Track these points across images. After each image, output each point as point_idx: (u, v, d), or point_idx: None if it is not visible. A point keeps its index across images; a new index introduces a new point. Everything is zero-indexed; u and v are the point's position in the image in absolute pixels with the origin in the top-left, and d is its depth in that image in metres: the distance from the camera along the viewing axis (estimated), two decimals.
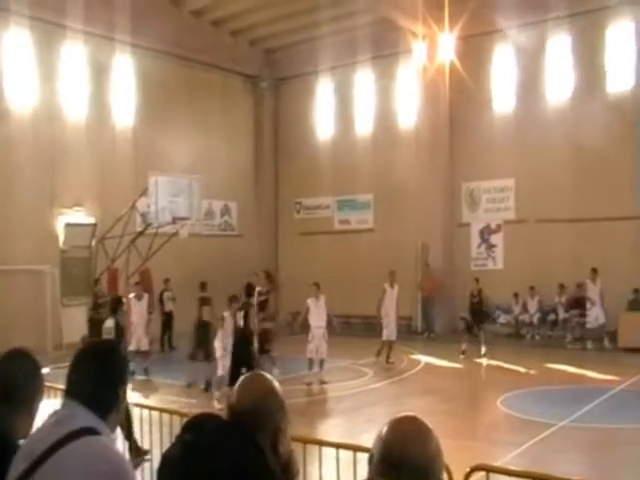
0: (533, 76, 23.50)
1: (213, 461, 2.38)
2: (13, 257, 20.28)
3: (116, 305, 11.87)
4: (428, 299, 24.32)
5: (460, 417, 12.55)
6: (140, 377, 15.75)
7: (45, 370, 3.22)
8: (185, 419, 2.69)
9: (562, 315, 21.93)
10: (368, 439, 2.12)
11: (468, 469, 5.01)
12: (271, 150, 30.52)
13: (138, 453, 9.14)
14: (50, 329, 21.10)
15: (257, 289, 17.74)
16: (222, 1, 25.46)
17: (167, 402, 12.67)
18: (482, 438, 11.21)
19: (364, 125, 27.74)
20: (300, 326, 16.35)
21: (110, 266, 20.65)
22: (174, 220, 19.86)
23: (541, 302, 22.58)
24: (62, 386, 2.72)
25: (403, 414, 2.14)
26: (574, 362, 17.78)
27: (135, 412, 8.44)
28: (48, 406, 2.93)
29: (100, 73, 23.94)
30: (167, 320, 21.90)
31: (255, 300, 16.70)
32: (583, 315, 21.09)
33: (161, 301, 21.91)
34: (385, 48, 25.93)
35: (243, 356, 13.39)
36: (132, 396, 9.19)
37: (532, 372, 16.92)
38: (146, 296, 17.88)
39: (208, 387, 14.95)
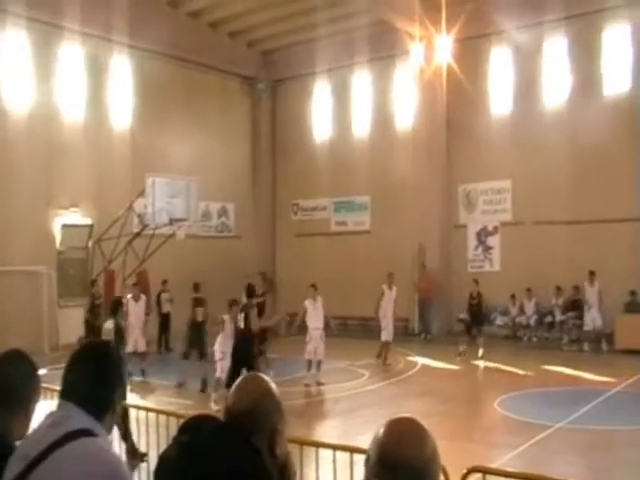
0: (530, 78, 23.52)
1: (210, 463, 2.37)
2: (10, 258, 20.25)
3: (116, 306, 11.86)
4: (425, 300, 24.33)
5: (457, 419, 12.54)
6: (137, 378, 15.74)
7: (42, 371, 3.21)
8: (182, 420, 2.69)
9: (559, 317, 21.96)
10: (365, 441, 2.12)
11: (465, 471, 5.01)
12: (268, 151, 30.52)
13: (135, 455, 9.13)
14: (47, 330, 21.08)
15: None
16: (219, 2, 25.47)
17: (164, 403, 12.66)
18: (479, 440, 11.22)
19: (361, 127, 27.76)
20: (298, 328, 16.35)
21: (107, 267, 20.64)
22: (171, 221, 19.85)
23: (538, 304, 22.59)
24: (58, 387, 2.71)
25: (399, 415, 2.13)
26: (571, 364, 17.80)
27: (132, 413, 8.43)
28: (45, 407, 2.92)
29: (97, 74, 23.93)
30: (164, 321, 21.89)
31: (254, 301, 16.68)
32: (580, 317, 21.13)
33: (158, 302, 21.90)
34: (382, 50, 25.95)
35: (243, 357, 13.39)
36: (129, 397, 9.18)
37: (529, 374, 16.92)
38: (143, 297, 17.88)
39: (204, 387, 15.00)
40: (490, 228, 24.60)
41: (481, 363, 18.61)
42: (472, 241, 24.99)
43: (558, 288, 21.85)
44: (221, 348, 13.82)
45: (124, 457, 8.62)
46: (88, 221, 22.82)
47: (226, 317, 13.88)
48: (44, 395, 5.92)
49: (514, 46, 23.87)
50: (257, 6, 25.11)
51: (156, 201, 19.35)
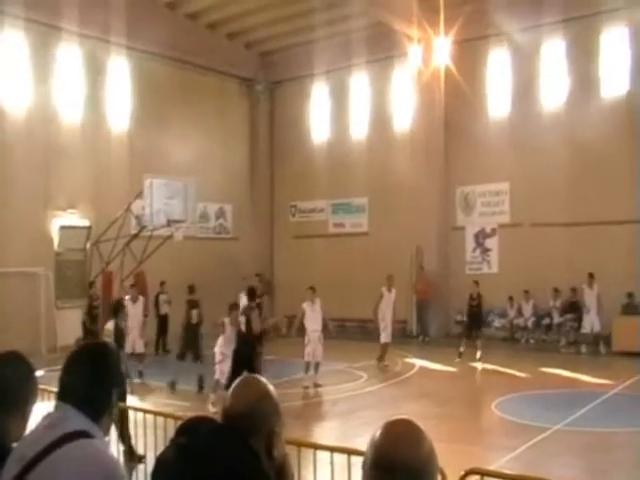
0: (528, 80, 23.54)
1: (207, 464, 2.37)
2: (7, 259, 20.23)
3: (117, 308, 11.85)
4: (423, 302, 24.32)
5: (455, 421, 12.54)
6: (135, 380, 15.72)
7: (39, 373, 3.21)
8: (179, 422, 2.68)
9: (557, 319, 21.96)
10: (363, 443, 2.12)
11: (462, 473, 5.00)
12: (266, 153, 30.52)
13: (132, 457, 9.13)
14: (44, 332, 21.06)
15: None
16: (218, 4, 25.47)
17: (161, 405, 12.64)
18: (476, 442, 11.22)
19: (359, 129, 27.77)
20: (296, 330, 16.34)
21: (105, 269, 20.61)
22: (169, 223, 19.83)
23: (536, 306, 22.59)
24: (56, 389, 2.71)
25: (396, 417, 2.13)
26: (568, 366, 17.81)
27: (129, 415, 8.42)
28: (42, 409, 2.92)
29: (95, 75, 23.92)
30: (162, 323, 21.88)
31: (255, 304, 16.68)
32: (577, 319, 21.14)
33: (156, 304, 21.89)
34: (380, 52, 25.97)
35: (244, 359, 13.39)
36: (128, 399, 9.17)
37: (526, 376, 16.92)
38: (141, 299, 17.87)
39: (201, 386, 15.07)
40: (488, 230, 24.60)
41: (479, 365, 18.61)
42: (470, 243, 24.99)
43: (556, 290, 21.86)
44: (221, 350, 13.80)
45: (121, 459, 8.62)
46: (86, 222, 22.80)
47: (226, 320, 13.88)
48: (41, 396, 5.90)
49: (512, 48, 23.90)
50: (255, 8, 25.12)
51: (154, 202, 19.33)
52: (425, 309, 24.41)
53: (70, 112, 23.14)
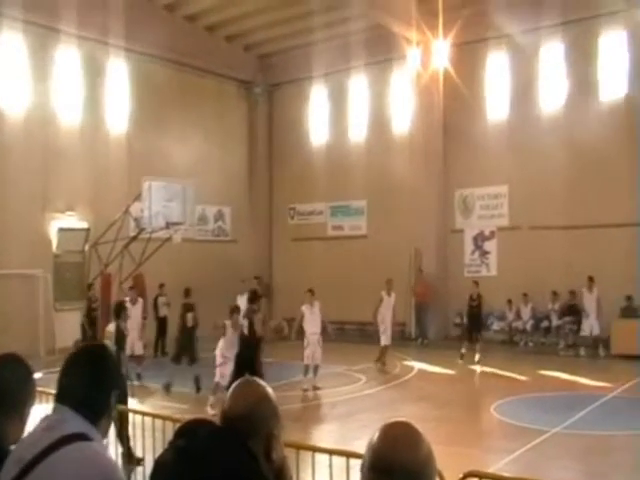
0: (527, 83, 23.57)
1: (206, 467, 2.37)
2: (5, 261, 20.23)
3: (119, 310, 11.85)
4: (422, 305, 24.31)
5: (453, 423, 12.53)
6: (134, 382, 15.70)
7: (37, 375, 3.20)
8: (178, 425, 2.68)
9: (555, 322, 21.95)
10: (361, 445, 2.11)
11: (461, 475, 5.00)
12: (265, 156, 30.53)
13: (131, 460, 9.11)
14: (43, 334, 21.06)
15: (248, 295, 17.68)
16: (216, 6, 25.48)
17: (160, 408, 12.63)
18: (475, 444, 11.20)
19: (358, 131, 27.78)
20: (296, 333, 16.33)
21: (103, 271, 20.59)
22: (167, 225, 19.80)
23: (534, 309, 22.59)
24: (54, 391, 2.70)
25: (394, 420, 2.13)
26: (567, 369, 17.80)
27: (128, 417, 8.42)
28: (40, 411, 2.91)
29: (94, 77, 23.93)
30: (161, 325, 21.87)
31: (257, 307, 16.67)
32: (576, 322, 21.14)
33: (155, 306, 21.88)
34: (379, 54, 25.99)
35: (246, 362, 13.40)
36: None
37: (525, 379, 16.92)
38: (140, 301, 17.87)
39: (198, 386, 15.15)
40: (487, 233, 24.61)
41: (477, 368, 18.60)
42: (469, 246, 25.00)
43: (554, 293, 21.85)
44: (222, 352, 13.78)
45: (120, 461, 8.61)
46: (84, 225, 22.80)
47: (227, 322, 13.87)
48: (39, 399, 5.89)
49: (511, 51, 23.92)
50: (254, 10, 25.14)
51: (152, 205, 19.30)
52: (424, 312, 24.40)
53: (69, 114, 23.15)
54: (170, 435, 2.57)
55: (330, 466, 5.63)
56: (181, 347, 16.10)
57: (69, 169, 22.48)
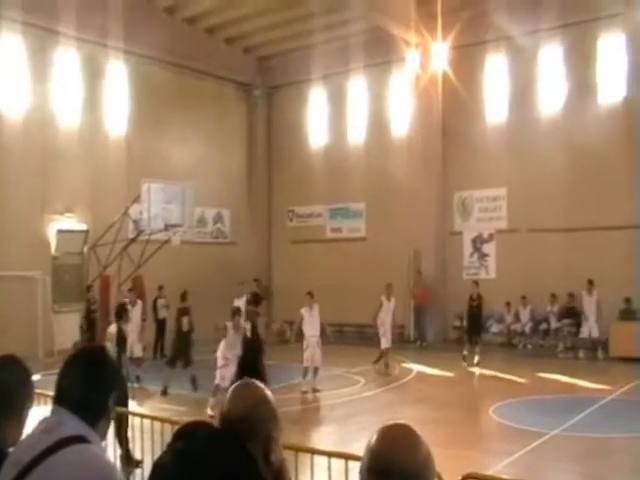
0: (526, 86, 23.58)
1: (204, 469, 2.36)
2: (4, 263, 20.21)
3: (121, 311, 11.84)
4: (420, 307, 24.31)
5: (452, 425, 12.53)
6: (134, 385, 15.70)
7: (36, 377, 3.20)
8: (176, 427, 2.68)
9: (554, 324, 21.95)
10: (360, 448, 2.11)
11: (460, 477, 5.00)
12: (264, 158, 30.54)
13: (129, 462, 9.10)
14: (41, 336, 21.04)
15: (247, 299, 17.69)
16: (216, 9, 25.49)
17: (158, 410, 12.63)
18: (474, 447, 11.20)
19: (357, 133, 27.79)
20: (295, 335, 16.32)
21: (102, 273, 20.59)
22: (166, 227, 19.81)
23: (533, 311, 22.60)
24: (52, 393, 2.70)
25: (392, 422, 2.13)
26: (566, 371, 17.80)
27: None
28: (38, 413, 2.91)
29: (93, 79, 23.94)
30: (161, 327, 21.84)
31: (259, 309, 16.68)
32: (574, 325, 21.15)
33: (155, 308, 21.86)
34: (378, 57, 26.00)
35: (250, 365, 13.41)
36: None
37: (524, 381, 16.91)
38: (139, 303, 17.86)
39: (195, 385, 15.30)
40: (485, 235, 24.62)
41: (476, 370, 18.60)
42: (467, 248, 25.00)
43: (553, 295, 21.86)
44: (223, 354, 13.77)
45: (118, 464, 8.60)
46: (83, 226, 22.79)
47: (229, 324, 13.87)
48: (38, 401, 5.89)
49: (510, 53, 23.95)
50: (253, 12, 25.16)
51: (151, 207, 19.31)
52: (423, 314, 24.41)
53: (68, 116, 23.15)
54: (169, 437, 2.57)
55: (329, 468, 5.62)
56: (176, 351, 16.18)
57: (68, 171, 22.47)
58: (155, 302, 21.94)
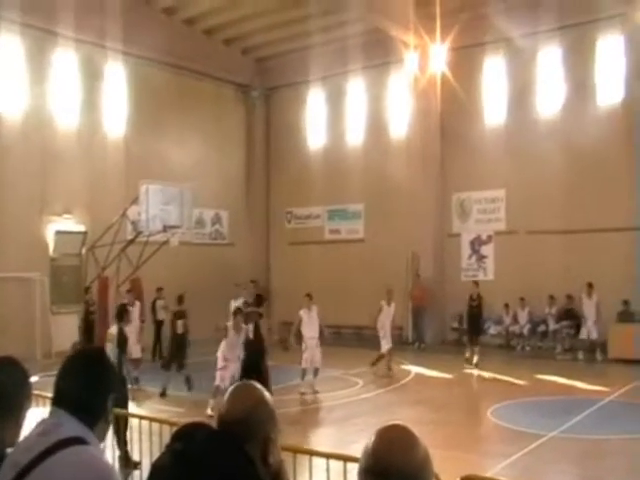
0: (525, 87, 23.59)
1: (203, 470, 2.36)
2: (2, 264, 20.20)
3: (122, 312, 11.83)
4: (419, 309, 24.30)
5: (450, 427, 12.52)
6: (132, 386, 15.70)
7: (34, 378, 3.20)
8: (175, 428, 2.67)
9: (552, 326, 21.96)
10: (358, 449, 2.11)
11: (458, 479, 4.99)
12: (262, 159, 30.54)
13: (128, 464, 9.09)
14: (39, 337, 21.01)
15: (244, 300, 17.68)
16: (214, 10, 25.51)
17: (156, 411, 12.63)
18: (472, 449, 11.20)
19: (355, 135, 27.80)
20: (295, 336, 16.30)
21: (100, 274, 20.58)
22: (165, 228, 19.81)
23: (531, 313, 22.61)
24: (50, 394, 2.70)
25: (390, 423, 2.13)
26: (564, 373, 17.81)
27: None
28: (36, 414, 2.91)
29: (92, 80, 23.94)
30: (160, 329, 21.80)
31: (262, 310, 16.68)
32: (573, 327, 21.16)
33: (153, 310, 21.83)
34: (377, 58, 26.01)
35: (253, 366, 13.44)
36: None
37: (522, 383, 16.91)
38: (138, 304, 17.85)
39: (190, 385, 15.37)
40: (484, 237, 24.62)
41: (474, 371, 18.61)
42: (466, 250, 25.00)
43: (551, 297, 21.86)
44: (224, 355, 13.75)
45: (116, 465, 8.59)
46: (82, 228, 22.78)
47: (229, 324, 13.88)
48: (36, 402, 5.89)
49: (509, 55, 23.96)
50: (252, 14, 25.17)
51: (150, 208, 19.30)
52: (421, 316, 24.40)
53: (66, 117, 23.16)
54: (167, 439, 2.57)
55: (327, 470, 5.62)
56: (170, 354, 16.21)
57: (66, 172, 22.47)
58: (154, 303, 21.90)
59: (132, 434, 7.92)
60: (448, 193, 25.22)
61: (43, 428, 2.57)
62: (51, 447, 2.45)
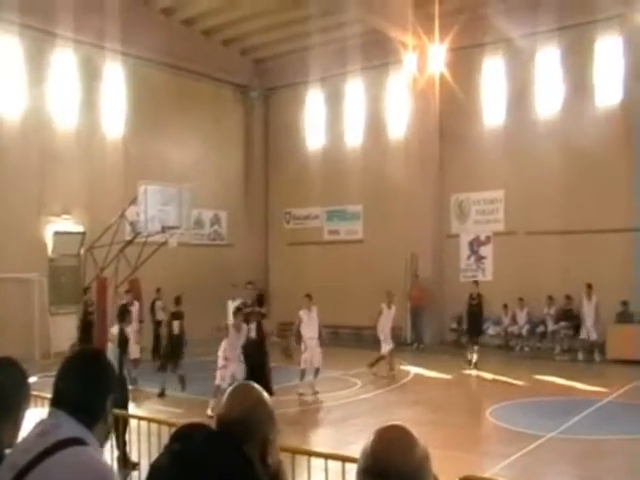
0: (523, 88, 23.59)
1: (202, 471, 2.36)
2: (1, 265, 20.17)
3: (123, 312, 11.82)
4: (417, 309, 24.30)
5: (449, 428, 12.52)
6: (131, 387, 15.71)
7: (32, 379, 3.20)
8: (173, 429, 2.67)
9: (551, 327, 21.97)
10: (357, 450, 2.11)
11: None
12: (261, 160, 30.54)
13: (126, 465, 9.09)
14: (38, 337, 21.00)
15: (242, 301, 17.66)
16: (213, 10, 25.49)
17: (155, 412, 12.63)
18: (471, 449, 11.20)
19: (354, 135, 27.80)
20: (295, 337, 16.30)
21: (99, 275, 20.56)
22: (163, 229, 19.77)
23: (530, 314, 22.61)
24: (49, 395, 2.69)
25: (389, 423, 2.13)
26: (563, 374, 17.82)
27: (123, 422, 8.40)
28: (34, 415, 2.90)
29: (90, 81, 23.92)
30: (159, 329, 21.78)
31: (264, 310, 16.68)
32: (571, 327, 21.17)
33: (152, 310, 21.82)
34: (375, 59, 26.01)
35: (257, 366, 13.45)
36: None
37: (521, 383, 16.91)
38: (136, 304, 17.84)
39: (183, 384, 15.44)
40: (482, 238, 24.62)
41: (473, 372, 18.61)
42: (464, 251, 25.01)
43: (550, 298, 21.87)
44: (225, 354, 13.75)
45: (115, 466, 8.59)
46: (80, 228, 22.77)
47: (230, 323, 13.87)
48: (34, 403, 5.89)
49: (507, 56, 23.97)
50: (251, 14, 25.15)
51: (148, 209, 19.27)
52: (419, 316, 24.41)
53: (65, 118, 23.14)
54: (165, 439, 2.57)
55: (326, 470, 5.62)
56: (165, 354, 16.24)
57: (65, 173, 22.46)
58: (153, 304, 21.91)
59: (131, 435, 7.91)
60: (447, 194, 25.23)
61: (42, 429, 2.57)
62: (50, 448, 2.45)
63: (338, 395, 15.79)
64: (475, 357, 18.98)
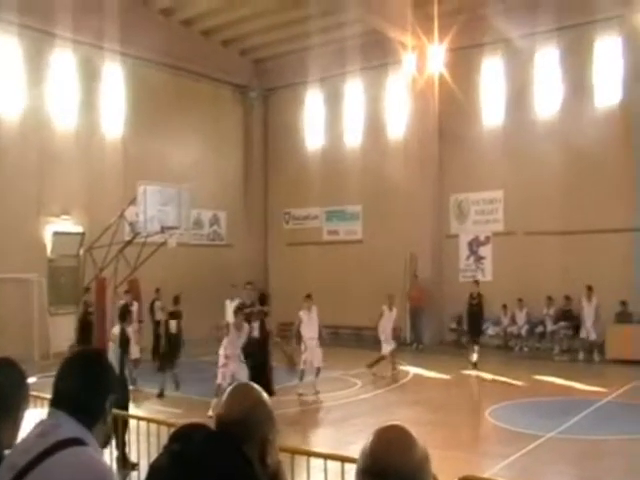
0: (522, 88, 23.59)
1: (201, 471, 2.36)
2: (0, 265, 20.16)
3: (124, 313, 11.82)
4: (417, 310, 24.29)
5: (448, 428, 12.53)
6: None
7: (32, 379, 3.19)
8: (173, 429, 2.67)
9: (550, 327, 21.97)
10: (356, 450, 2.11)
11: None
12: (260, 160, 30.53)
13: (126, 465, 9.09)
14: (37, 338, 21.00)
15: (240, 301, 17.66)
16: (212, 11, 25.49)
17: (155, 412, 12.62)
18: (470, 449, 11.21)
19: (353, 136, 27.80)
20: (295, 338, 16.30)
21: (98, 275, 20.55)
22: (163, 229, 19.77)
23: (529, 314, 22.61)
24: (48, 395, 2.69)
25: (388, 423, 2.13)
26: (562, 374, 17.82)
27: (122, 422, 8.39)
28: (34, 416, 2.90)
29: (89, 81, 23.91)
30: (158, 329, 21.76)
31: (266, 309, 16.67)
32: (571, 327, 21.17)
33: (152, 311, 21.80)
34: (375, 59, 26.01)
35: (260, 366, 13.45)
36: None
37: (520, 384, 16.92)
38: (136, 304, 17.84)
39: (177, 383, 15.58)
40: (482, 238, 24.62)
41: (472, 372, 18.61)
42: (464, 251, 25.01)
43: (549, 298, 21.87)
44: (225, 353, 13.75)
45: (115, 466, 8.59)
46: (79, 229, 22.76)
47: (230, 322, 13.87)
48: (34, 403, 5.88)
49: (507, 56, 23.97)
50: (250, 15, 25.15)
51: (148, 209, 19.26)
52: (419, 316, 24.40)
53: (64, 118, 23.13)
54: (165, 440, 2.57)
55: (325, 470, 5.62)
56: (163, 354, 16.25)
57: (64, 173, 22.45)
58: (152, 305, 21.89)
59: (130, 435, 7.91)
60: (446, 194, 25.23)
61: (41, 429, 2.57)
62: (49, 448, 2.44)
63: (338, 395, 15.80)
64: (475, 356, 18.98)
